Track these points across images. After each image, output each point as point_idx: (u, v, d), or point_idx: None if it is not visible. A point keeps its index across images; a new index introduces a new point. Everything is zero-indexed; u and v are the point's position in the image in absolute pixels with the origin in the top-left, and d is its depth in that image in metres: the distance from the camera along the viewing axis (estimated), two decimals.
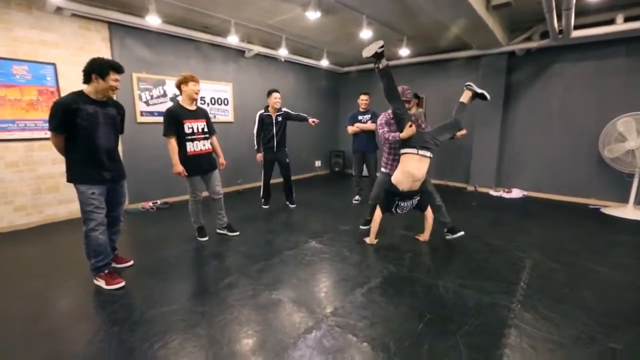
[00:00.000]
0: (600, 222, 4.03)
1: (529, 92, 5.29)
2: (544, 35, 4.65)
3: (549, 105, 5.09)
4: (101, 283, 2.35)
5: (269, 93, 4.17)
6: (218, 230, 3.43)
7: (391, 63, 6.43)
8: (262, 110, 4.24)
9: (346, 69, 7.27)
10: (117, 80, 2.25)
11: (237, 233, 3.42)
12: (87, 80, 2.21)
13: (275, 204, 4.61)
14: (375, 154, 4.70)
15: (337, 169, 7.40)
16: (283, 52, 5.27)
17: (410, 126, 2.77)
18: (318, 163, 7.41)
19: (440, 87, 6.15)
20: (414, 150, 2.82)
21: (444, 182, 6.08)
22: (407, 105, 3.02)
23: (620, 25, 3.95)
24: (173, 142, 2.90)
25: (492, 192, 5.45)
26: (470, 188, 5.73)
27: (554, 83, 5.04)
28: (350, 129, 4.64)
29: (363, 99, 4.59)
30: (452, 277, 2.52)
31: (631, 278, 2.55)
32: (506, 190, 5.39)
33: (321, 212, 4.29)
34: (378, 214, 3.01)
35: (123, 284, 2.36)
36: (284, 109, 4.27)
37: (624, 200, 4.47)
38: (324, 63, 6.11)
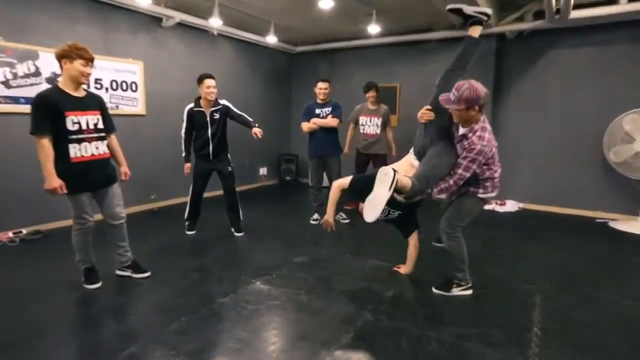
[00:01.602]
0: (611, 239, 4.24)
1: (522, 84, 5.54)
2: (538, 15, 4.89)
3: (545, 99, 5.37)
4: None
5: (200, 80, 3.84)
6: (118, 272, 3.07)
7: (357, 43, 6.45)
8: (192, 105, 3.92)
9: (300, 48, 7.16)
10: None
11: (148, 274, 3.07)
12: None
13: (205, 227, 4.28)
14: (339, 158, 4.63)
15: (288, 177, 7.24)
16: (216, 23, 5.00)
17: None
18: (263, 170, 7.20)
19: (416, 74, 6.25)
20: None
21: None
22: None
23: (624, 5, 4.24)
24: (46, 144, 2.52)
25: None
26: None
27: (551, 73, 5.32)
28: (306, 125, 4.52)
29: (322, 88, 4.50)
30: (447, 325, 2.42)
31: None
32: (499, 202, 5.56)
33: (268, 238, 4.09)
34: (341, 184, 2.85)
35: None
36: (222, 102, 3.96)
37: (634, 212, 4.79)
38: (271, 39, 5.93)
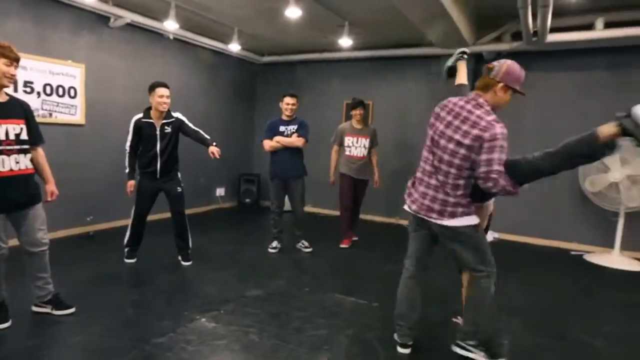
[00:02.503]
0: (586, 273, 4.44)
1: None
2: (516, 36, 5.16)
3: (522, 123, 5.60)
4: None
5: (152, 88, 3.75)
6: (35, 308, 2.89)
7: (328, 56, 6.56)
8: (140, 116, 3.80)
9: (267, 58, 7.22)
10: None
11: (72, 310, 2.90)
12: None
13: (148, 254, 4.15)
14: (303, 180, 4.64)
15: (248, 200, 7.17)
16: (171, 26, 4.97)
17: None
18: (220, 191, 7.11)
19: (390, 90, 6.42)
20: None
21: (395, 220, 6.21)
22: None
23: (599, 32, 4.56)
24: None
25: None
26: None
27: (527, 97, 5.53)
28: (268, 144, 4.51)
29: (289, 103, 4.52)
30: None
31: (627, 351, 2.75)
32: None
33: (221, 269, 4.00)
34: None
35: None
36: (176, 115, 3.88)
37: (609, 245, 5.01)
38: (234, 47, 5.94)
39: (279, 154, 4.49)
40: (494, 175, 2.12)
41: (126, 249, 4.01)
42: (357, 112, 4.84)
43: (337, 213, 5.30)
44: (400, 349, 2.57)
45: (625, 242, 4.91)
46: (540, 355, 2.64)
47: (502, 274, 4.11)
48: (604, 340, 2.89)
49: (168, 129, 3.81)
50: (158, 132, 3.78)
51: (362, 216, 5.47)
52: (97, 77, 4.98)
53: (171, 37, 5.67)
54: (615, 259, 4.79)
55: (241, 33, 5.77)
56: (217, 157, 3.77)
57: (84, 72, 4.82)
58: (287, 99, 4.51)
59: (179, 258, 4.06)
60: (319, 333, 2.78)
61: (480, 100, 2.33)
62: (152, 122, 3.77)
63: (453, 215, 2.31)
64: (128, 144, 3.84)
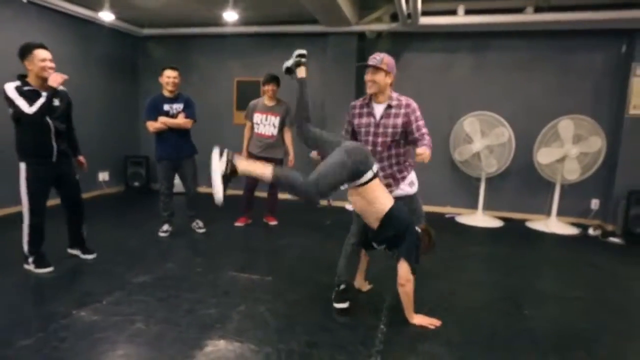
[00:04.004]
0: (456, 232, 5.04)
1: None
2: (395, 18, 5.48)
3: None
4: None
5: (28, 50, 3.06)
6: None
7: (215, 30, 6.32)
8: (18, 83, 3.07)
9: (147, 31, 6.73)
10: None
11: None
12: None
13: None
14: (194, 159, 4.46)
15: (136, 183, 6.74)
16: None
17: None
18: (104, 175, 6.58)
19: (279, 69, 6.37)
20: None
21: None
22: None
23: (461, 18, 5.07)
24: None
25: (349, 207, 6.01)
26: (324, 203, 6.16)
27: (406, 74, 5.99)
28: (153, 125, 4.24)
29: (170, 76, 4.23)
30: (297, 334, 2.51)
31: (482, 295, 3.24)
32: None
33: (104, 257, 3.72)
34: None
35: None
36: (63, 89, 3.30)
37: (475, 206, 5.72)
38: (107, 17, 5.39)
39: (165, 135, 4.23)
40: None
41: (32, 257, 3.32)
42: (268, 88, 4.59)
43: (236, 192, 5.22)
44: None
45: (486, 203, 5.65)
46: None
47: None
48: (463, 286, 3.38)
49: (57, 102, 3.19)
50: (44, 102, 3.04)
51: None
52: None
53: (25, 0, 4.91)
54: (479, 219, 5.49)
55: (113, 0, 5.22)
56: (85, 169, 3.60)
57: None
58: (168, 72, 4.21)
59: (78, 252, 3.67)
60: (210, 312, 2.77)
61: None
62: (37, 90, 3.06)
63: None
64: (27, 108, 2.97)
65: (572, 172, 4.98)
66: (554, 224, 5.22)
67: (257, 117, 4.66)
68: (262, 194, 5.02)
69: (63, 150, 3.35)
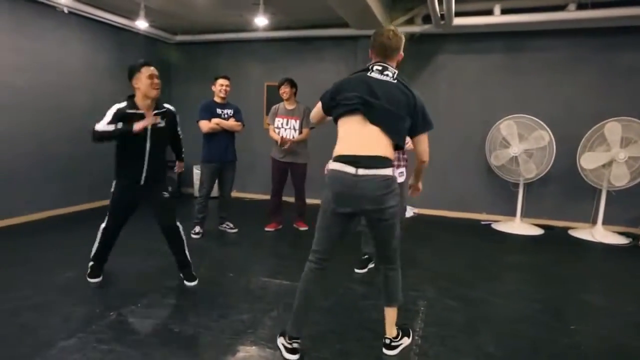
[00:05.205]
0: (492, 240, 4.86)
1: (415, 87, 6.03)
2: (427, 19, 5.38)
3: (436, 104, 5.89)
4: None
5: (137, 69, 2.98)
6: None
7: (246, 36, 6.39)
8: (124, 104, 2.97)
9: (180, 37, 6.88)
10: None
11: None
12: None
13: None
14: (235, 164, 4.65)
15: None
16: None
17: None
18: None
19: (310, 73, 6.41)
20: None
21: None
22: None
23: (497, 17, 4.92)
24: None
25: None
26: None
27: (439, 77, 5.89)
28: (207, 125, 4.40)
29: (223, 85, 4.48)
30: (327, 341, 2.46)
31: (522, 306, 3.10)
32: None
33: (138, 261, 3.80)
34: None
35: None
36: (167, 106, 3.23)
37: (513, 213, 5.51)
38: (142, 24, 5.54)
39: (217, 137, 4.42)
40: None
41: (90, 263, 3.30)
42: (283, 91, 4.62)
43: (266, 197, 5.24)
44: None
45: (525, 210, 5.44)
46: (449, 317, 2.85)
47: (419, 247, 4.43)
48: (501, 297, 3.23)
49: (162, 123, 3.10)
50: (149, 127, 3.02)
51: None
52: None
53: (66, 10, 5.08)
54: (516, 226, 5.29)
55: (148, 9, 5.38)
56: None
57: None
58: (222, 81, 4.46)
59: (181, 276, 3.35)
60: (242, 317, 2.76)
61: None
62: (137, 114, 2.96)
63: None
64: (97, 124, 2.87)
65: (621, 178, 4.71)
66: (600, 233, 4.95)
67: (278, 121, 4.69)
68: (289, 198, 5.02)
69: (154, 175, 3.19)
